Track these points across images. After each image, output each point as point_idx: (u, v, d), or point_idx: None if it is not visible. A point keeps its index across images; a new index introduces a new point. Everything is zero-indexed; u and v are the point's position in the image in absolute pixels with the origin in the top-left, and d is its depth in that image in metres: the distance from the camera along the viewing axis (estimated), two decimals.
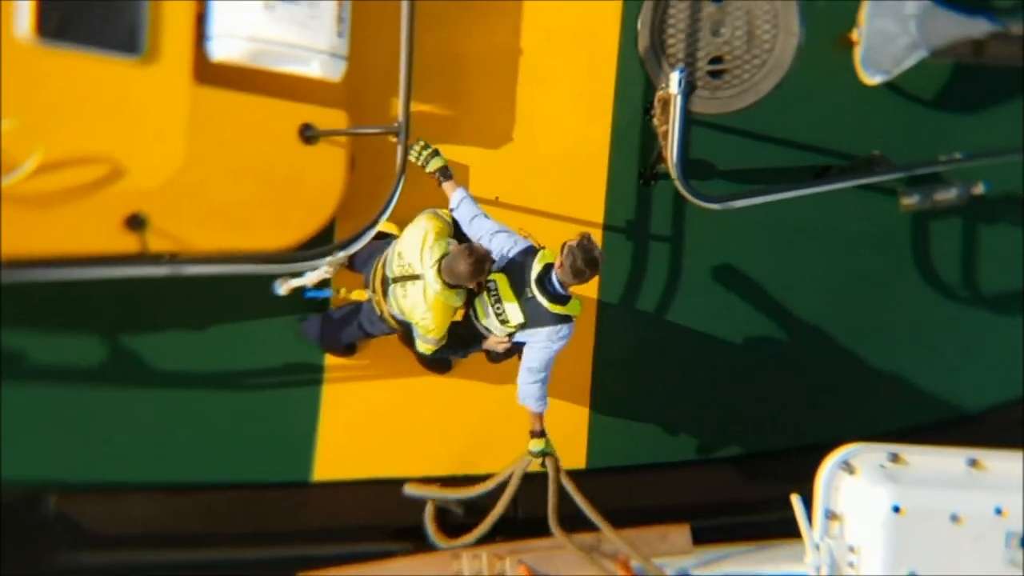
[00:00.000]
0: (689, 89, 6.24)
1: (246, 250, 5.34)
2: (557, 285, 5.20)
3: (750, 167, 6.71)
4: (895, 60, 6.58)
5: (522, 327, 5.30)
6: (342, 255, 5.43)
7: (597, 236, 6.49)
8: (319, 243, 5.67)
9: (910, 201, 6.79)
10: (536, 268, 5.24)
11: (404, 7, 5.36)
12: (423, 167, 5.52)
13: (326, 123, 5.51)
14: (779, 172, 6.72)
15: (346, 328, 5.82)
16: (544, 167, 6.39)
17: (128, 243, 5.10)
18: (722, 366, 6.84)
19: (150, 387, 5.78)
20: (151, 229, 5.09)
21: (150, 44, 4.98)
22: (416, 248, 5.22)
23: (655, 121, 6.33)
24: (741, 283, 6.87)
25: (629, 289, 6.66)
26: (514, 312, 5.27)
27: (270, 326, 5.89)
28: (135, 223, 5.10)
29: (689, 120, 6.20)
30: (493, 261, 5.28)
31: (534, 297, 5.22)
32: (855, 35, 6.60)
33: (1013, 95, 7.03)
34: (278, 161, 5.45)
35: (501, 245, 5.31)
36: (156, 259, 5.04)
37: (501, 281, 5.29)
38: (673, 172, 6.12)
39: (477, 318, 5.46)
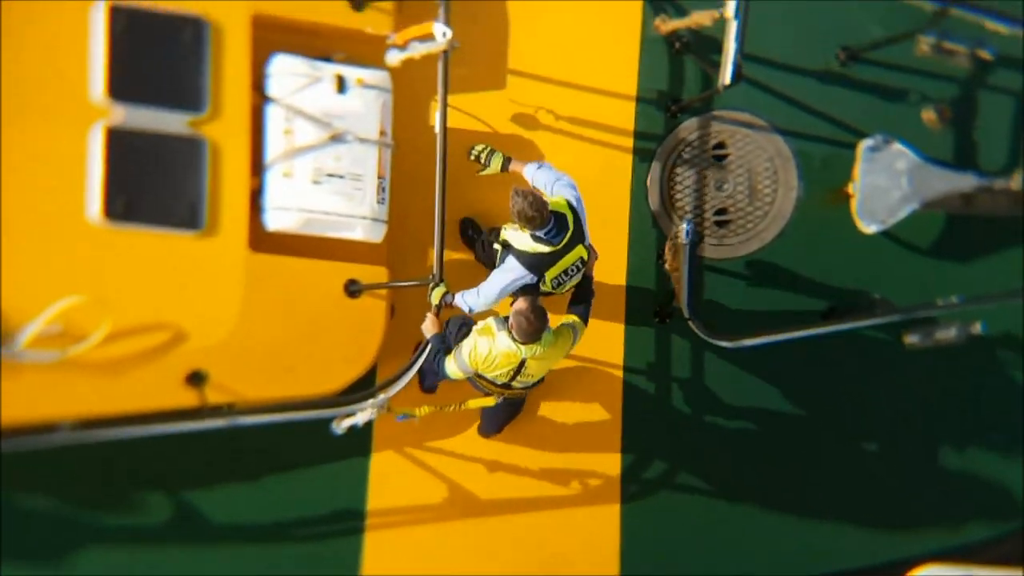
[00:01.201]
0: (697, 239, 6.73)
1: (297, 398, 5.73)
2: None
3: (758, 308, 7.09)
4: (889, 211, 7.02)
5: None
6: (383, 399, 5.83)
7: (617, 375, 6.88)
8: (364, 384, 6.05)
9: (913, 340, 7.09)
10: None
11: (438, 179, 5.86)
12: (484, 168, 6.09)
13: (369, 278, 5.96)
14: (786, 312, 7.07)
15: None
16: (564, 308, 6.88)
17: (187, 398, 5.50)
18: (747, 487, 7.09)
19: (199, 540, 6.07)
20: (209, 384, 5.52)
21: (210, 219, 5.47)
22: (508, 359, 5.65)
23: (667, 266, 6.77)
24: (758, 413, 7.14)
25: (653, 417, 6.96)
26: None
27: (317, 470, 6.22)
28: (195, 379, 5.51)
29: (698, 265, 6.68)
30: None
31: None
32: (850, 188, 7.06)
33: (1003, 243, 7.40)
34: (325, 315, 5.87)
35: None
36: (216, 412, 5.44)
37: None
38: (685, 312, 6.55)
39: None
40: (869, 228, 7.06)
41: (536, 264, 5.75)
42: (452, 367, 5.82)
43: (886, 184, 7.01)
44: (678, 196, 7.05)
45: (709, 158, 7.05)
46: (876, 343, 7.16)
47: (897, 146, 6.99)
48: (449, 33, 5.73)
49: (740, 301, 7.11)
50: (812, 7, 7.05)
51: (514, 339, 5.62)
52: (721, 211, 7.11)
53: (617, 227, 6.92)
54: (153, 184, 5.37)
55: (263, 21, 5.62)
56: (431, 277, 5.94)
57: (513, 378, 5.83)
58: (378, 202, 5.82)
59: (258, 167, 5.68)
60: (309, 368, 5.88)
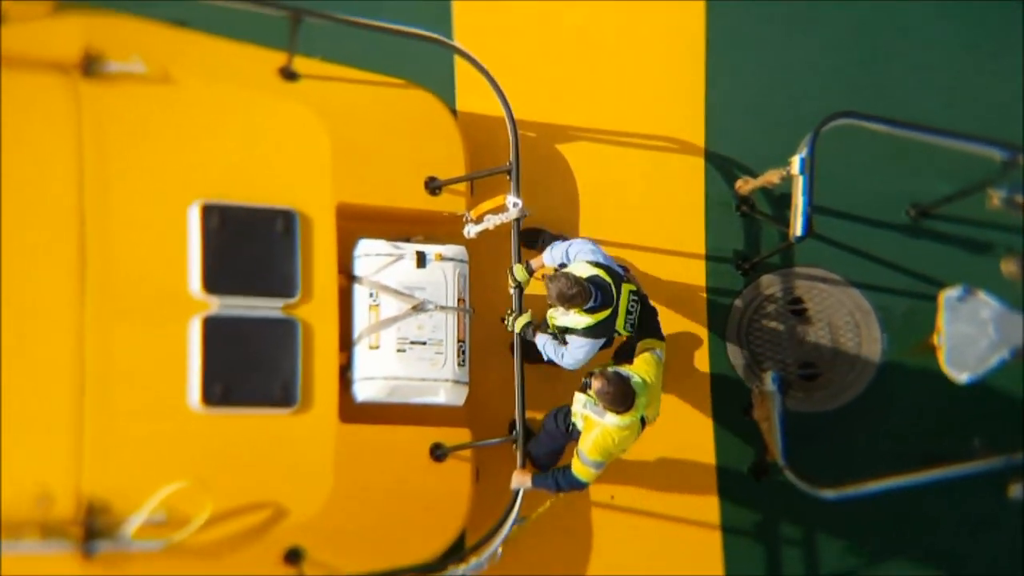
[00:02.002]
0: (785, 387, 6.71)
1: (393, 568, 5.81)
2: None
3: (851, 460, 6.93)
4: (979, 360, 6.84)
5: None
6: (472, 569, 5.94)
7: (715, 536, 6.85)
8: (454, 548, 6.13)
9: (1019, 492, 6.83)
10: None
11: (516, 342, 6.12)
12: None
13: (453, 441, 6.08)
14: (881, 463, 6.84)
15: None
16: (652, 475, 6.81)
17: (279, 573, 5.63)
18: None
19: None
20: (307, 560, 5.62)
21: (303, 397, 5.69)
22: (629, 429, 5.72)
23: (755, 415, 6.72)
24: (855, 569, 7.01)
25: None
26: None
27: None
28: (293, 557, 5.63)
29: (788, 415, 6.61)
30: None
31: None
32: (936, 339, 6.93)
33: None
34: (413, 480, 6.00)
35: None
36: None
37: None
38: (780, 460, 6.47)
39: None
40: (960, 377, 6.89)
41: (605, 328, 5.84)
42: (590, 473, 5.83)
43: (973, 333, 6.87)
44: (760, 351, 7.05)
45: (787, 313, 7.08)
46: (977, 495, 6.91)
47: (981, 295, 6.90)
48: (519, 203, 6.08)
49: (832, 453, 6.97)
50: (878, 163, 7.13)
51: (619, 412, 5.65)
52: (807, 364, 7.08)
53: (698, 386, 6.93)
54: (249, 367, 5.63)
55: (347, 210, 5.98)
56: (513, 434, 6.02)
57: (642, 430, 5.86)
58: (459, 364, 6.01)
59: (347, 342, 5.95)
60: (401, 536, 5.98)
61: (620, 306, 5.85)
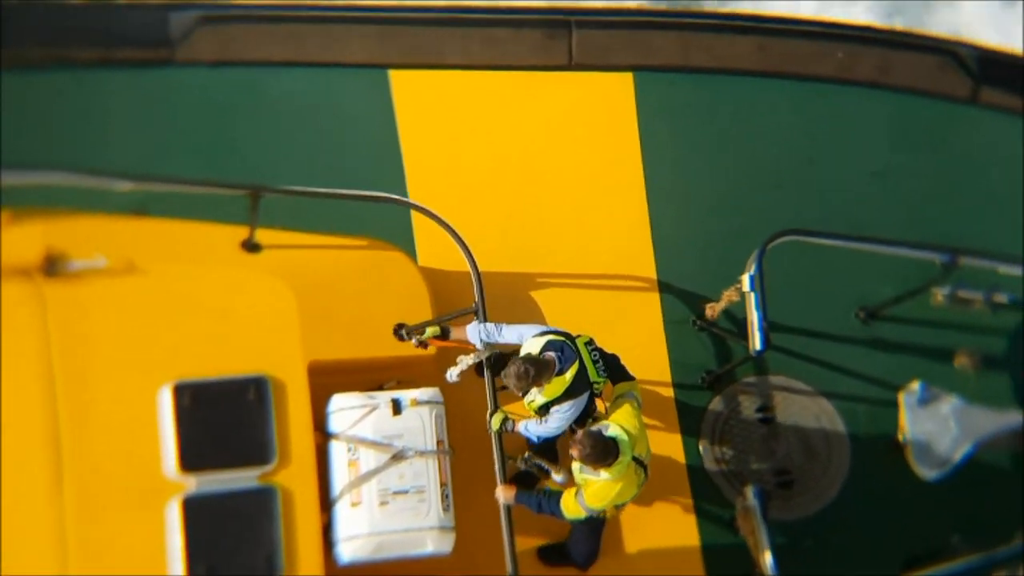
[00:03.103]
0: (765, 498, 6.72)
1: None
2: None
3: (836, 568, 6.94)
4: (945, 457, 7.01)
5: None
6: None
7: None
8: None
9: None
10: None
11: (498, 475, 6.08)
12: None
13: None
14: (869, 561, 6.95)
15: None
16: None
17: None
18: None
19: None
20: None
21: (288, 569, 5.62)
22: (627, 479, 5.83)
23: (741, 533, 6.70)
24: None
25: None
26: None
27: None
28: None
29: (769, 526, 6.56)
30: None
31: None
32: (901, 438, 7.10)
33: None
34: None
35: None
36: None
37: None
38: None
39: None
40: (928, 475, 7.03)
41: (581, 382, 5.90)
42: (581, 515, 5.89)
43: (936, 430, 7.03)
44: (733, 463, 7.12)
45: (756, 422, 7.19)
46: None
47: (937, 392, 7.09)
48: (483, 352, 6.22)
49: (820, 558, 6.98)
50: (823, 272, 7.33)
51: (608, 467, 5.68)
52: (781, 471, 7.15)
53: (679, 502, 6.97)
54: (231, 543, 5.59)
55: (318, 367, 6.03)
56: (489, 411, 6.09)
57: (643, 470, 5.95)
58: (444, 509, 5.97)
59: (326, 503, 5.91)
60: None
61: (584, 357, 5.98)
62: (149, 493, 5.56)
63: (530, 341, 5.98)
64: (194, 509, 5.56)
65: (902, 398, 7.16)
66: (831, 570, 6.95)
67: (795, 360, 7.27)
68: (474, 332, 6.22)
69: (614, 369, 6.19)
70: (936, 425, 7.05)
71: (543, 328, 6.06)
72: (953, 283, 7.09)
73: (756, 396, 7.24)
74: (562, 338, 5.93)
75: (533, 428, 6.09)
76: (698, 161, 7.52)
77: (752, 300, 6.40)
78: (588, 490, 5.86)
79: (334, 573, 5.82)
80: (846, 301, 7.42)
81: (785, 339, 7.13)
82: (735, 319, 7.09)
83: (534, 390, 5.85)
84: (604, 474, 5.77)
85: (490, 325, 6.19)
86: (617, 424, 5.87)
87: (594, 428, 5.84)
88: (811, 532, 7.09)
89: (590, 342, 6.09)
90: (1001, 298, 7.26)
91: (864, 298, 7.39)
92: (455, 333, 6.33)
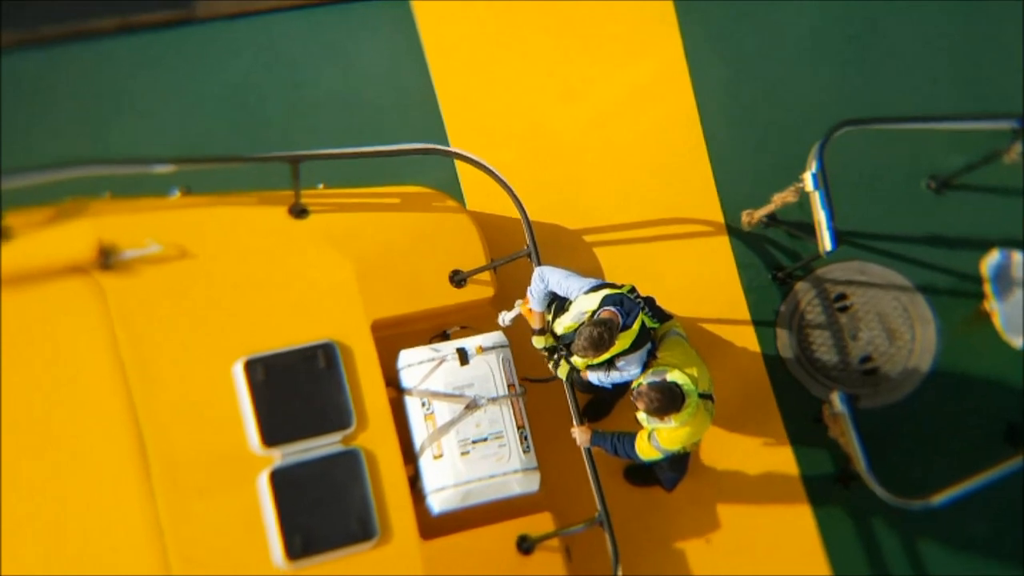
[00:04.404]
0: (853, 401, 6.56)
1: None
2: None
3: (935, 448, 6.85)
4: None
5: None
6: None
7: (818, 549, 6.85)
8: None
9: None
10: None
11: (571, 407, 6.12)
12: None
13: (536, 528, 6.03)
14: (964, 443, 6.83)
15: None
16: (743, 501, 6.84)
17: None
18: None
19: None
20: None
21: (381, 525, 5.71)
22: (694, 422, 5.75)
23: (831, 434, 6.61)
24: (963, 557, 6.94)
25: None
26: None
27: None
28: None
29: (860, 425, 6.45)
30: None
31: None
32: (987, 306, 6.88)
33: None
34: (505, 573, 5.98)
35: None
36: None
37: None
38: (868, 482, 6.34)
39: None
40: (1019, 343, 6.82)
41: (644, 335, 5.77)
42: (656, 456, 5.84)
43: (1021, 294, 6.80)
44: (816, 357, 7.01)
45: (834, 312, 7.04)
46: None
47: (1019, 255, 6.83)
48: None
49: (915, 445, 6.89)
50: (885, 153, 7.07)
51: (678, 411, 5.60)
52: (865, 359, 7.00)
53: (764, 404, 6.90)
54: (323, 510, 5.66)
55: (381, 324, 6.03)
56: (597, 516, 5.98)
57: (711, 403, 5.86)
58: (524, 451, 5.99)
59: (409, 455, 5.96)
60: None
61: (635, 307, 5.79)
62: (237, 471, 5.63)
63: (583, 298, 5.77)
64: (282, 481, 5.63)
65: (984, 266, 6.90)
66: (927, 453, 6.83)
67: (868, 242, 7.02)
68: (537, 304, 6.04)
69: (655, 312, 6.00)
70: (1021, 288, 6.80)
71: (593, 282, 5.83)
72: None
73: (831, 285, 7.03)
74: (617, 290, 5.75)
75: (606, 379, 5.95)
76: (746, 71, 7.22)
77: (817, 199, 6.15)
78: (661, 436, 5.77)
79: (428, 525, 5.89)
80: (914, 176, 7.13)
81: (854, 222, 6.88)
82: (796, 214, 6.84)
83: (613, 349, 5.68)
84: (672, 421, 5.67)
85: (544, 270, 5.98)
86: (676, 368, 5.73)
87: (655, 379, 5.70)
88: (903, 417, 6.95)
89: (632, 290, 5.89)
90: None
91: (933, 170, 7.09)
92: (537, 320, 6.11)
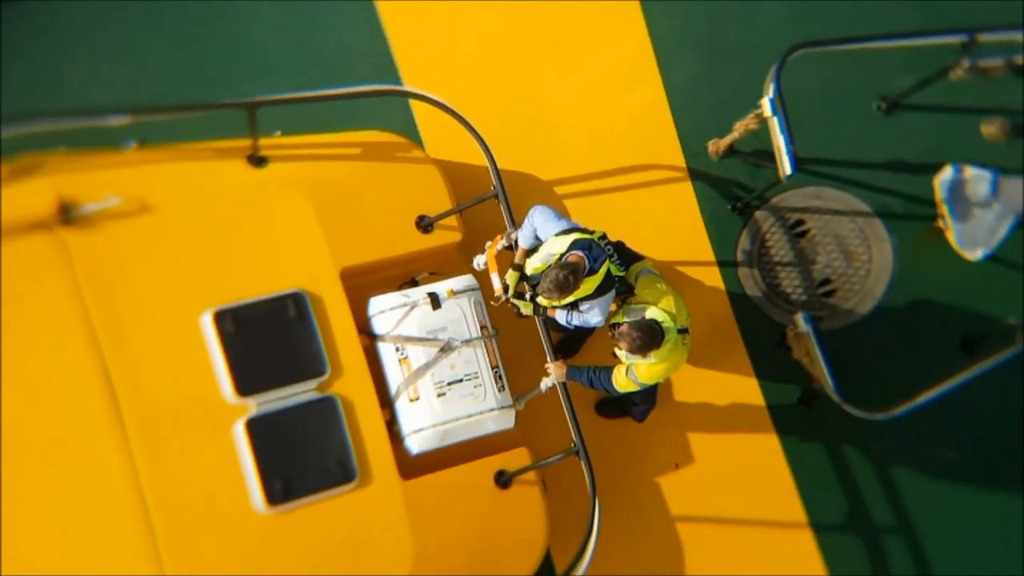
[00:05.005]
0: (816, 322, 6.80)
1: None
2: None
3: (895, 364, 7.05)
4: (989, 233, 6.96)
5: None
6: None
7: (784, 470, 7.07)
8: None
9: None
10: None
11: (545, 345, 6.16)
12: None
13: (513, 463, 6.13)
14: (924, 358, 7.01)
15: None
16: (709, 429, 7.01)
17: None
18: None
19: None
20: None
21: (361, 468, 5.74)
22: (670, 356, 5.82)
23: (794, 355, 6.80)
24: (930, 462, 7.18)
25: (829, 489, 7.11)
26: None
27: None
28: None
29: (825, 346, 6.66)
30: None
31: None
32: (941, 223, 7.04)
33: None
34: (487, 513, 6.05)
35: None
36: None
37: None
38: (835, 398, 6.53)
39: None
40: (974, 255, 6.99)
41: (609, 281, 5.81)
42: (632, 388, 5.92)
43: (975, 208, 6.96)
44: (777, 284, 7.15)
45: (792, 237, 7.17)
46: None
47: (972, 170, 6.99)
48: (514, 232, 6.14)
49: (875, 362, 7.09)
50: (843, 72, 7.15)
51: (658, 347, 5.68)
52: (824, 282, 7.15)
53: (728, 335, 7.07)
54: (301, 456, 5.67)
55: (349, 272, 6.01)
56: (573, 447, 6.09)
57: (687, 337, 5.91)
58: (499, 390, 6.07)
59: (385, 400, 5.99)
60: (493, 567, 6.04)
61: (604, 251, 5.82)
62: (212, 421, 5.62)
63: (552, 240, 5.80)
64: (259, 429, 5.63)
65: (937, 183, 7.05)
66: (887, 371, 7.02)
67: (822, 167, 7.14)
68: (523, 241, 6.04)
69: (625, 256, 6.07)
70: (975, 203, 6.97)
71: (565, 224, 5.85)
72: (972, 55, 6.76)
73: (789, 212, 7.16)
74: (587, 235, 5.78)
75: (574, 319, 5.98)
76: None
77: (776, 124, 6.23)
78: (639, 370, 5.85)
79: (407, 465, 5.95)
80: (864, 98, 7.23)
81: (808, 148, 6.90)
82: (750, 144, 6.96)
83: (577, 291, 5.71)
84: (652, 357, 5.75)
85: (536, 208, 5.93)
86: (654, 305, 5.80)
87: (633, 318, 5.77)
88: (864, 335, 7.14)
89: (603, 236, 5.93)
90: (1021, 60, 7.02)
91: (883, 92, 7.19)
92: (518, 257, 6.10)
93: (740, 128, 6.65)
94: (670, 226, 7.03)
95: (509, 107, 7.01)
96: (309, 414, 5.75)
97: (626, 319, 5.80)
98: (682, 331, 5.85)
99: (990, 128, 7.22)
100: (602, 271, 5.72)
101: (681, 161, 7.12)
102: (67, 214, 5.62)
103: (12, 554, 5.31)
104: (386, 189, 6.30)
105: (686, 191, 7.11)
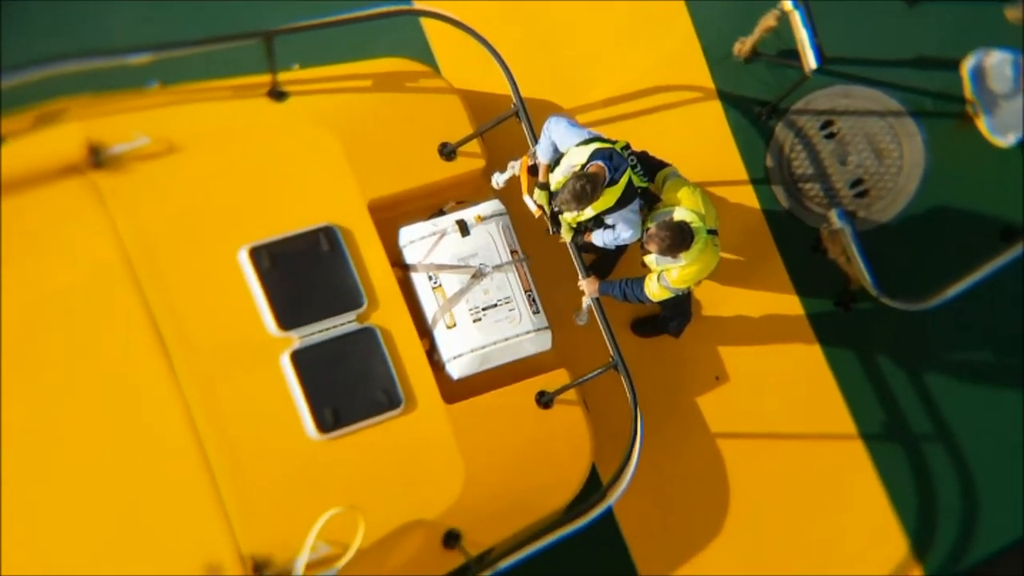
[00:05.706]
0: (851, 218, 6.75)
1: (541, 521, 6.05)
2: None
3: (935, 260, 6.98)
4: (1020, 118, 6.85)
5: None
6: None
7: (827, 376, 7.07)
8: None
9: None
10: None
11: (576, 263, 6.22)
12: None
13: (553, 384, 6.18)
14: (963, 251, 6.85)
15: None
16: (749, 340, 7.04)
17: (451, 561, 5.87)
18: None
19: None
20: (465, 540, 5.83)
21: (406, 394, 5.82)
22: (700, 258, 5.83)
23: (830, 255, 6.76)
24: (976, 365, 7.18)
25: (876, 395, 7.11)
26: None
27: None
28: (451, 540, 5.84)
29: (861, 242, 6.62)
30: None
31: None
32: (970, 110, 6.94)
33: None
34: (531, 433, 6.13)
35: None
36: (481, 564, 5.76)
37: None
38: (872, 291, 6.52)
39: None
40: (1006, 142, 6.88)
41: (631, 192, 5.76)
42: (667, 296, 5.93)
43: (1005, 92, 6.82)
44: (808, 188, 7.09)
45: (821, 140, 7.06)
46: None
47: (997, 54, 6.84)
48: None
49: (913, 259, 7.02)
50: None
51: (688, 248, 5.68)
52: (856, 183, 7.07)
53: (761, 241, 7.02)
54: (348, 385, 5.75)
55: (378, 204, 6.04)
56: (612, 360, 6.11)
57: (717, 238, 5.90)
58: (534, 313, 6.10)
59: (424, 329, 6.05)
60: (540, 486, 6.16)
61: (624, 159, 5.80)
62: (258, 354, 5.70)
63: (573, 151, 5.73)
64: (304, 361, 5.71)
65: (964, 70, 6.92)
66: (925, 267, 6.96)
67: (847, 67, 7.01)
68: (543, 156, 5.99)
69: (649, 165, 5.99)
70: (1004, 87, 6.83)
71: (585, 134, 5.77)
72: None
73: (816, 115, 7.06)
74: (608, 145, 5.69)
75: (611, 240, 5.97)
76: None
77: (798, 17, 6.12)
78: (670, 275, 5.83)
79: (449, 391, 6.02)
80: None
81: (833, 47, 6.68)
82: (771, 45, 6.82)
83: (596, 201, 5.67)
84: (683, 259, 5.74)
85: (552, 119, 5.87)
86: (681, 206, 5.77)
87: (663, 219, 5.73)
88: (900, 233, 7.07)
89: (626, 147, 5.86)
90: None
91: None
92: (541, 175, 6.05)
93: (763, 25, 6.54)
94: (697, 139, 6.94)
95: (527, 31, 6.89)
96: (350, 345, 5.81)
97: (652, 223, 5.78)
98: (711, 232, 5.82)
99: (1014, 12, 7.06)
100: (623, 181, 5.67)
101: (706, 71, 7.01)
102: (97, 156, 5.63)
103: (69, 498, 5.41)
104: (407, 118, 6.29)
105: (712, 101, 7.01)
